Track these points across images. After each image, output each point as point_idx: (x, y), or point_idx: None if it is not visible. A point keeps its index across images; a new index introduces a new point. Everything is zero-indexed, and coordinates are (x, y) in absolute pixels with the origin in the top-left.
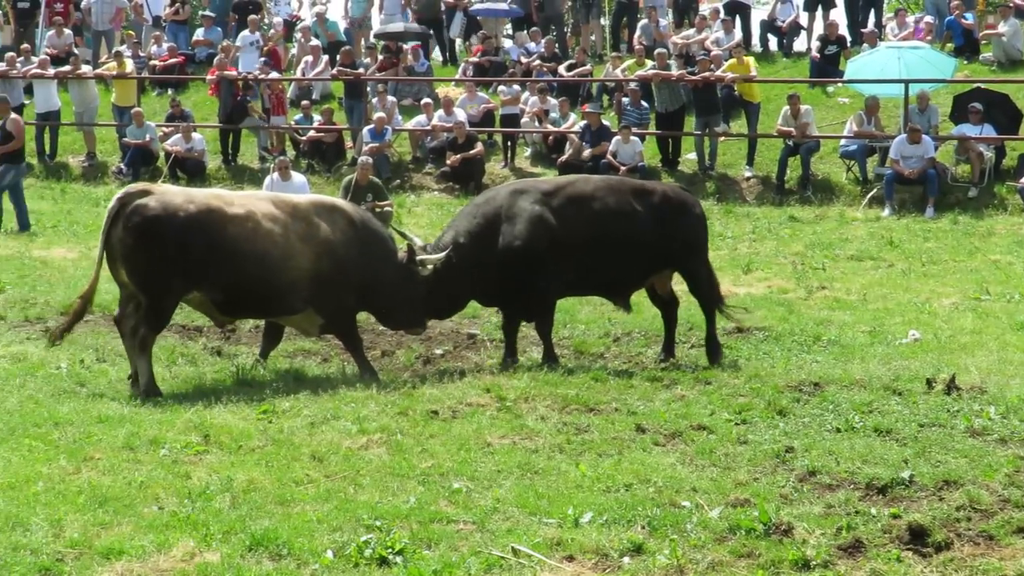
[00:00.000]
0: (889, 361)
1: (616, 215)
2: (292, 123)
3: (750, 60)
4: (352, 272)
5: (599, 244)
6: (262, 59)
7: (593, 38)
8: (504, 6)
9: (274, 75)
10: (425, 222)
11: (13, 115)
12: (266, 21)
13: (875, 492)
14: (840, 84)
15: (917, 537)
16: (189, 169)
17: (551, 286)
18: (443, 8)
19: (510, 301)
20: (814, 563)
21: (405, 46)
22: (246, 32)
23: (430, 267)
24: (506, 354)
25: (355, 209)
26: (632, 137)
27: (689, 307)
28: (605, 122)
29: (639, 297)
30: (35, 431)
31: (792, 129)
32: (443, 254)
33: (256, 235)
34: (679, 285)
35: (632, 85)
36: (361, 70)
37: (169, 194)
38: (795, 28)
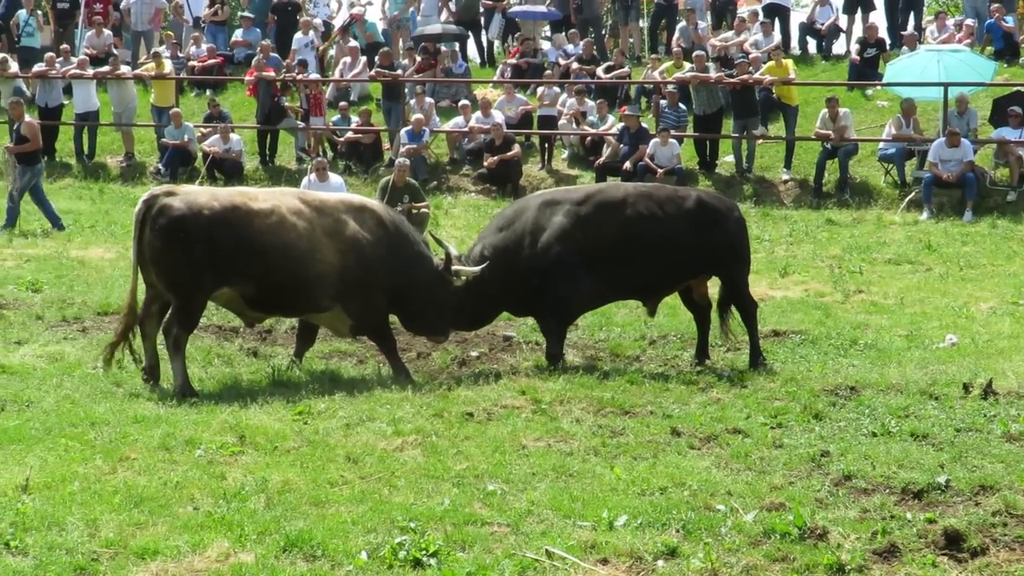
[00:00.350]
0: (926, 365)
1: (647, 220)
2: (330, 124)
3: (788, 63)
4: (380, 272)
5: (630, 250)
6: (299, 59)
7: (632, 40)
8: (542, 8)
9: (314, 76)
10: (462, 224)
11: (28, 118)
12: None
13: (911, 497)
14: (879, 87)
15: (953, 542)
16: (227, 170)
17: (576, 298)
18: (481, 10)
19: (541, 311)
20: (849, 568)
21: (443, 47)
22: (299, 34)
23: (464, 278)
24: (548, 348)
25: (387, 211)
26: (670, 139)
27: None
28: (643, 124)
29: (674, 300)
30: (71, 431)
31: (830, 132)
32: (479, 268)
33: (281, 228)
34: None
35: (670, 87)
36: (399, 71)
37: (194, 193)
38: (834, 31)
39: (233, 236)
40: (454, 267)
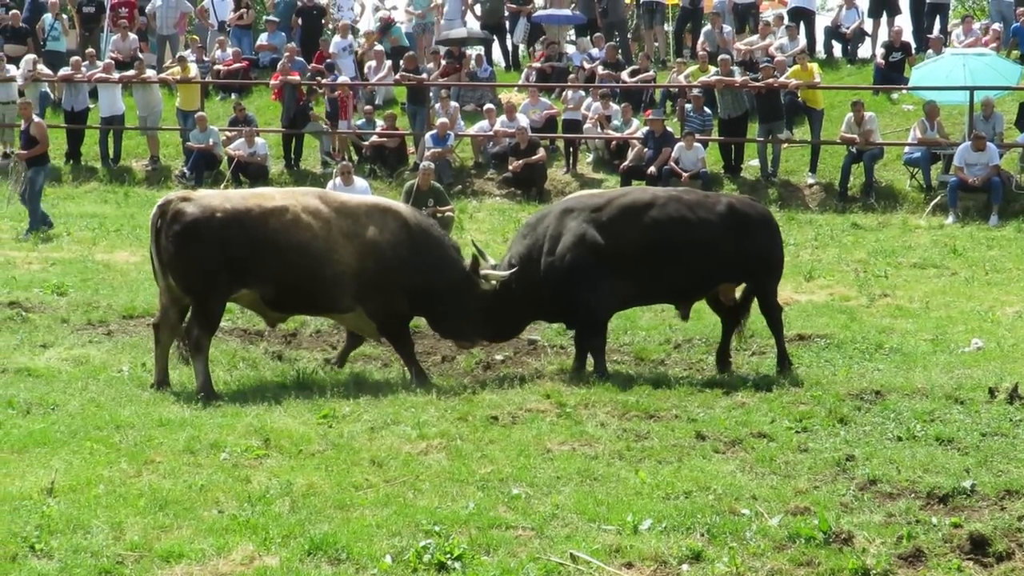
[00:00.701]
0: (951, 370)
1: (674, 225)
2: (355, 128)
3: (814, 66)
4: (401, 275)
5: (655, 255)
6: (329, 63)
7: (656, 44)
8: (567, 12)
9: (343, 79)
10: (487, 228)
11: (36, 119)
12: (329, 27)
13: (936, 501)
14: (904, 91)
15: (978, 547)
16: (252, 173)
17: (601, 303)
18: (506, 14)
19: (571, 318)
20: (874, 572)
21: (468, 52)
22: (337, 38)
23: (493, 283)
24: (596, 368)
25: (413, 213)
26: (695, 143)
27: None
28: (668, 128)
29: (700, 304)
30: (97, 434)
31: (856, 136)
32: (508, 272)
33: (296, 227)
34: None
35: (695, 91)
36: (424, 75)
37: (207, 197)
38: (859, 34)
39: (247, 237)
40: (483, 270)
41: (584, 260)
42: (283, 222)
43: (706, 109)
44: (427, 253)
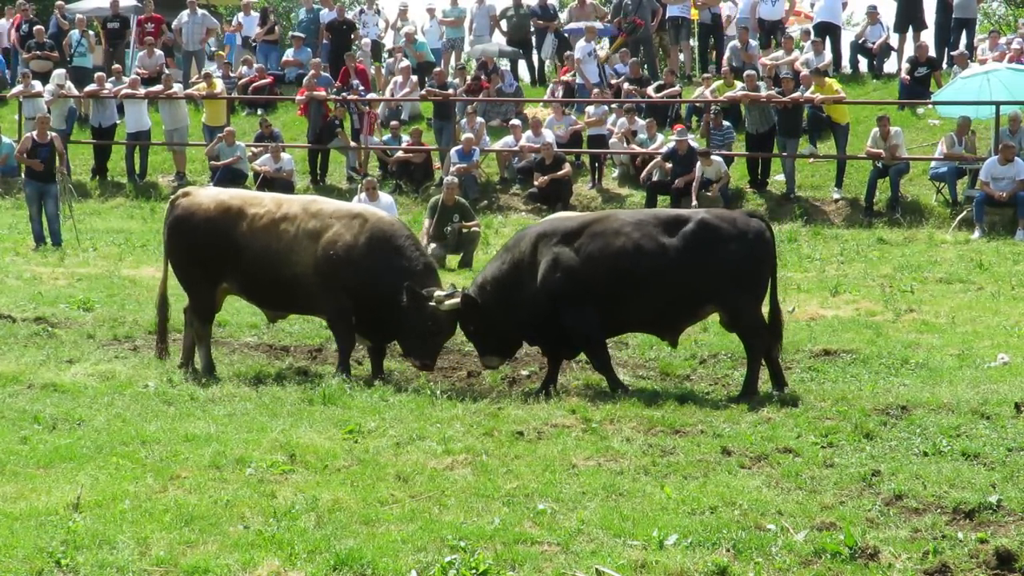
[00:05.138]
0: (978, 384)
1: (639, 252)
2: (381, 143)
3: (832, 82)
4: (347, 275)
5: (625, 283)
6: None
7: (682, 58)
8: (596, 24)
9: (371, 95)
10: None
11: (53, 132)
12: (356, 43)
13: (962, 516)
14: (930, 106)
15: (1004, 562)
16: (277, 189)
17: (588, 323)
18: (532, 29)
19: (549, 342)
20: None
21: (499, 67)
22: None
23: (445, 306)
24: (610, 385)
25: (384, 222)
26: (715, 158)
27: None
28: (693, 144)
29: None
30: (122, 449)
31: (881, 151)
32: (455, 301)
33: (263, 231)
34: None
35: (713, 107)
36: (450, 91)
37: (199, 194)
38: (885, 49)
39: (216, 235)
40: (434, 291)
41: (557, 284)
42: (255, 226)
43: (726, 123)
44: (382, 263)
